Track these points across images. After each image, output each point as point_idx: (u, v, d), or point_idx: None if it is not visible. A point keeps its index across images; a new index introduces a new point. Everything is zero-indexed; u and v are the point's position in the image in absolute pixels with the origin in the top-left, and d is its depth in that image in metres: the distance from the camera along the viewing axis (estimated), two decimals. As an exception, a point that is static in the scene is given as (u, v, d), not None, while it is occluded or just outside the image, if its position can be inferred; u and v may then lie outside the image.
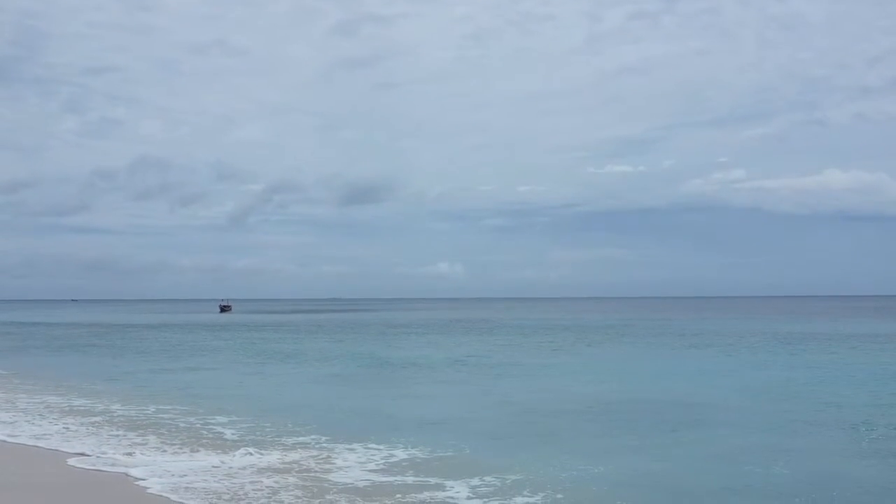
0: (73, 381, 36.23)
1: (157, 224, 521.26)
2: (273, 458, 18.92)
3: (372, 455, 19.18)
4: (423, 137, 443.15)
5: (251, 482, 16.51)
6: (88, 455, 19.39)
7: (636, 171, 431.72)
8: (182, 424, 24.01)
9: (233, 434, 22.24)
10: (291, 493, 15.69)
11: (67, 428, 23.36)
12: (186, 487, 16.07)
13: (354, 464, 18.33)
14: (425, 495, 15.46)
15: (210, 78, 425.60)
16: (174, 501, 15.20)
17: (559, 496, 15.31)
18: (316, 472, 17.61)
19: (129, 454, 19.37)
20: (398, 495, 15.43)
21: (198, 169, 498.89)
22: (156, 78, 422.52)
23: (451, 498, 15.29)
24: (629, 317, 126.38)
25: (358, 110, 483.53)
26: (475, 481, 16.41)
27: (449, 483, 16.25)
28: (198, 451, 19.88)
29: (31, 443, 21.23)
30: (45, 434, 22.39)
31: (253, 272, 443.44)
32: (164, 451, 19.97)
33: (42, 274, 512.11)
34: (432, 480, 16.57)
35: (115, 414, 26.17)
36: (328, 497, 15.35)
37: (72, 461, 18.83)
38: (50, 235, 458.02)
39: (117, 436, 22.09)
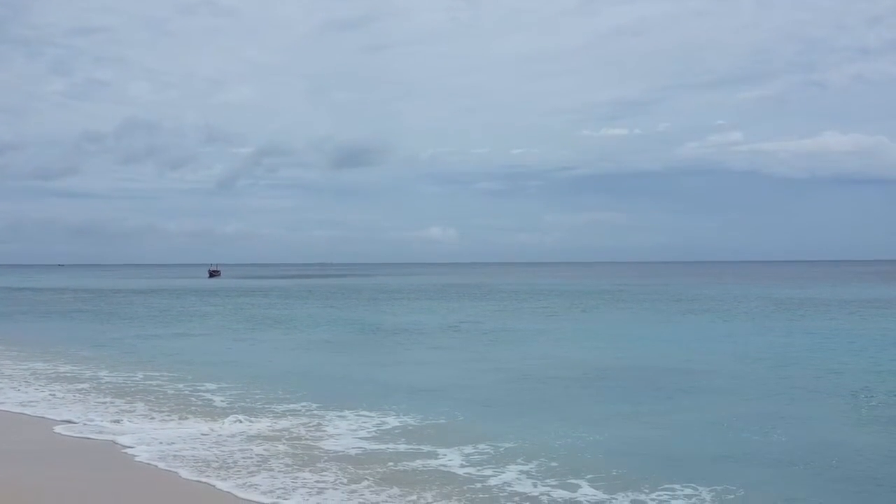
0: (60, 347, 35.82)
1: (144, 188, 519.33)
2: (263, 425, 18.64)
3: (364, 422, 18.88)
4: (415, 100, 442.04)
5: (240, 450, 16.22)
6: (75, 422, 19.13)
7: (632, 134, 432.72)
8: (171, 391, 23.72)
9: (222, 401, 21.94)
10: (281, 460, 15.41)
11: (54, 395, 23.05)
12: (175, 455, 15.77)
13: (345, 431, 18.04)
14: (418, 463, 15.19)
15: (198, 38, 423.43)
16: (162, 469, 14.90)
17: (553, 464, 15.02)
18: (306, 439, 17.33)
19: (117, 421, 19.10)
20: (390, 463, 15.15)
21: (186, 132, 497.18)
22: (143, 38, 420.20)
23: (444, 466, 15.00)
24: (624, 282, 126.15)
25: (349, 72, 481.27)
26: (468, 449, 16.13)
27: (441, 451, 15.96)
28: (186, 418, 19.59)
29: (17, 410, 20.91)
30: (31, 401, 22.08)
31: (242, 236, 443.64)
32: (153, 418, 19.70)
33: (28, 239, 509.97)
34: (424, 448, 16.27)
35: (103, 381, 25.86)
36: (319, 465, 15.05)
37: (58, 428, 18.58)
38: (36, 199, 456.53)
39: (104, 403, 21.80)
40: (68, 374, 27.18)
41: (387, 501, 12.97)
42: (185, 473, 14.58)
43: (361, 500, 13.03)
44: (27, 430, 18.61)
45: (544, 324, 48.48)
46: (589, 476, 14.09)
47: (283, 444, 16.81)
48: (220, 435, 17.62)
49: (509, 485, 13.78)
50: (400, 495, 13.17)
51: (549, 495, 13.25)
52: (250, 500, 13.10)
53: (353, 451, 16.13)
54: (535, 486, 13.72)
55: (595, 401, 22.36)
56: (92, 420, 19.27)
